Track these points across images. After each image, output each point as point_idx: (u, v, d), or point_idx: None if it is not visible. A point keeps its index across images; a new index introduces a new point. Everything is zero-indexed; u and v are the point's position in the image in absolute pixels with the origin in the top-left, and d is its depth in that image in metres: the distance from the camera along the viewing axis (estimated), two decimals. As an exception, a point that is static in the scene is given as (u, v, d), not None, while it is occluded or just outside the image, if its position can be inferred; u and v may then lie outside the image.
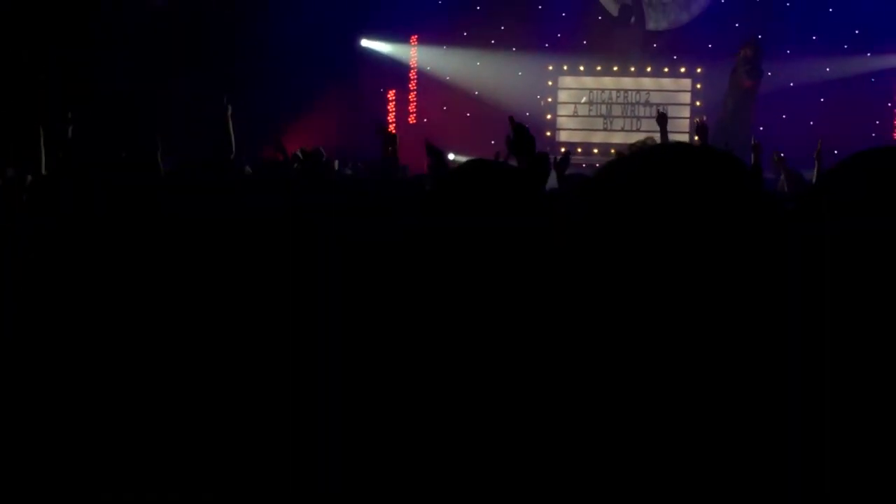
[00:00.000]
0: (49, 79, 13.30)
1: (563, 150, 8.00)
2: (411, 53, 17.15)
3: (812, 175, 8.15)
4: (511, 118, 5.35)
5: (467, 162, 2.58)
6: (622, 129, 15.96)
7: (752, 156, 7.98)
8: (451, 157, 8.27)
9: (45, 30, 13.69)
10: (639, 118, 16.42)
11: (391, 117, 16.98)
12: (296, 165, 7.69)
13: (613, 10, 17.01)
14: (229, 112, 8.55)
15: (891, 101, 16.17)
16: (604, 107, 16.69)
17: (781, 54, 16.06)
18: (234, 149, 8.37)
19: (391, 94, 17.14)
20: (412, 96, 17.24)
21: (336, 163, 9.34)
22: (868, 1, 15.88)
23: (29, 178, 7.03)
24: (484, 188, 2.46)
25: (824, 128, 14.44)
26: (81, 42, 13.94)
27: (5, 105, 12.63)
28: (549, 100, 16.61)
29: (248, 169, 7.63)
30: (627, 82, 16.64)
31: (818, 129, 14.16)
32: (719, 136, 13.25)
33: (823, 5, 16.08)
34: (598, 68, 16.71)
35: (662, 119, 8.29)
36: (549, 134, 16.58)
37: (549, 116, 16.95)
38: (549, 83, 16.80)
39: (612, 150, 8.72)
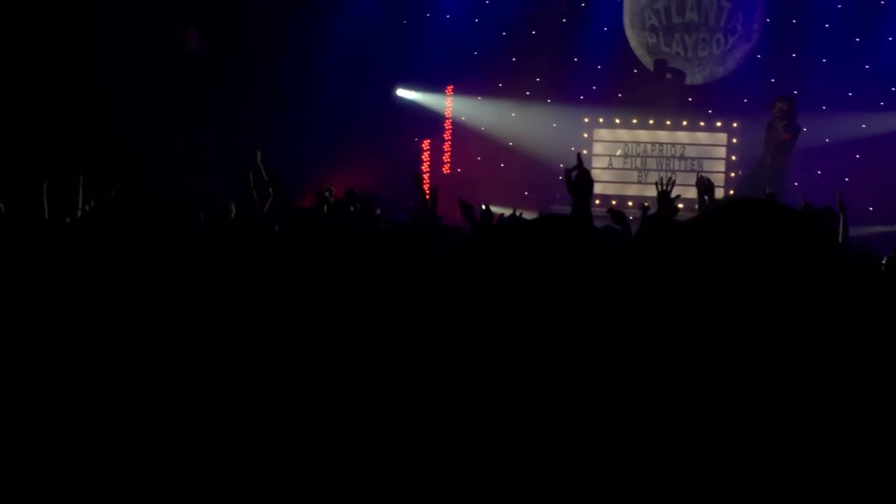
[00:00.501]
0: (80, 126, 13.35)
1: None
2: (447, 103, 17.21)
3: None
4: (579, 155, 5.40)
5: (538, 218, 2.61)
6: (657, 183, 15.90)
7: (842, 216, 7.77)
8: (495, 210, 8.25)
9: (76, 79, 13.72)
10: (674, 171, 16.37)
11: (425, 167, 17.01)
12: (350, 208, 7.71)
13: (649, 63, 17.04)
14: (258, 157, 8.57)
15: (928, 159, 16.09)
16: (639, 160, 16.67)
17: (817, 110, 16.01)
18: (273, 192, 8.38)
19: (426, 144, 17.19)
20: (447, 146, 17.28)
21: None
22: (904, 58, 15.89)
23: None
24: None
25: (859, 184, 14.41)
26: (112, 88, 14.01)
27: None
28: (584, 152, 16.58)
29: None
30: (663, 135, 16.63)
31: (853, 186, 14.12)
32: (754, 190, 13.19)
33: (860, 62, 16.06)
34: (634, 121, 16.71)
35: (702, 183, 8.15)
36: (583, 186, 16.51)
37: (567, 172, 16.85)
38: (584, 135, 16.80)
39: (646, 204, 8.68)
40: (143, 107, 14.26)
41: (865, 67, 16.03)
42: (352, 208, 8.04)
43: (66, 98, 13.34)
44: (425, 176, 16.82)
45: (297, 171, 14.69)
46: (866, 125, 16.00)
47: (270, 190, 8.30)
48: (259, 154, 8.71)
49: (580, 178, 5.24)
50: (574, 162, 5.65)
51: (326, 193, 8.67)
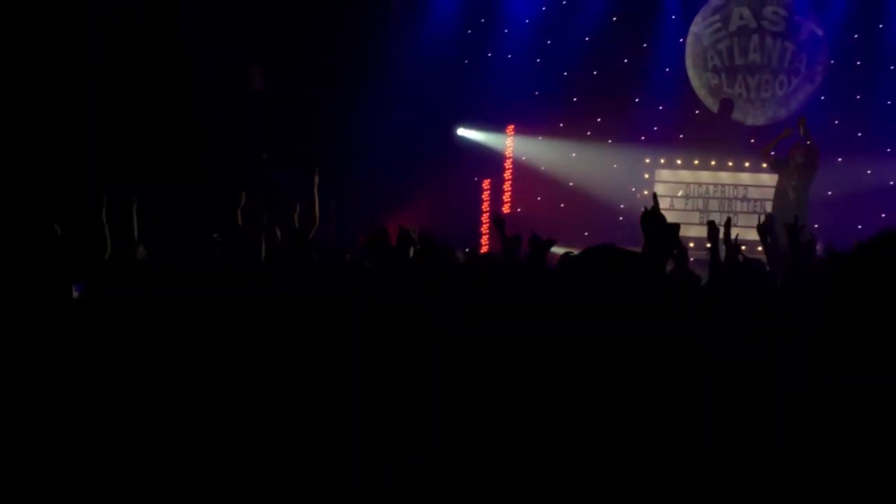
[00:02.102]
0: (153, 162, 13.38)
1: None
2: (507, 143, 17.22)
3: None
4: (654, 194, 5.37)
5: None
6: (719, 224, 15.80)
7: None
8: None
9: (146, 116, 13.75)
10: (736, 213, 16.28)
11: (485, 206, 17.02)
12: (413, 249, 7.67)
13: (711, 104, 16.97)
14: (316, 181, 8.54)
15: None
16: (700, 201, 16.59)
17: (882, 153, 15.90)
18: (318, 221, 8.37)
19: (486, 184, 17.20)
20: (507, 185, 17.27)
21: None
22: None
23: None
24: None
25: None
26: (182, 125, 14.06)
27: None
28: (645, 192, 16.55)
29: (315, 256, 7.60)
30: (725, 177, 16.54)
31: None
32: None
33: (925, 104, 15.96)
34: (696, 162, 16.64)
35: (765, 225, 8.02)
36: (644, 227, 16.43)
37: (644, 209, 16.80)
38: (646, 176, 16.75)
39: (708, 245, 8.61)
40: (227, 149, 14.37)
41: (930, 109, 15.91)
42: (412, 248, 7.99)
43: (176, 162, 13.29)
44: (486, 216, 16.88)
45: (357, 212, 14.76)
46: (931, 167, 15.87)
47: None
48: (317, 178, 8.69)
49: (651, 217, 5.17)
50: (635, 205, 5.65)
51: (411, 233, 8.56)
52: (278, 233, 8.02)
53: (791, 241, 7.24)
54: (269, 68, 15.43)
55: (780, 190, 14.39)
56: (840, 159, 15.78)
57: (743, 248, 7.34)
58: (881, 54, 16.26)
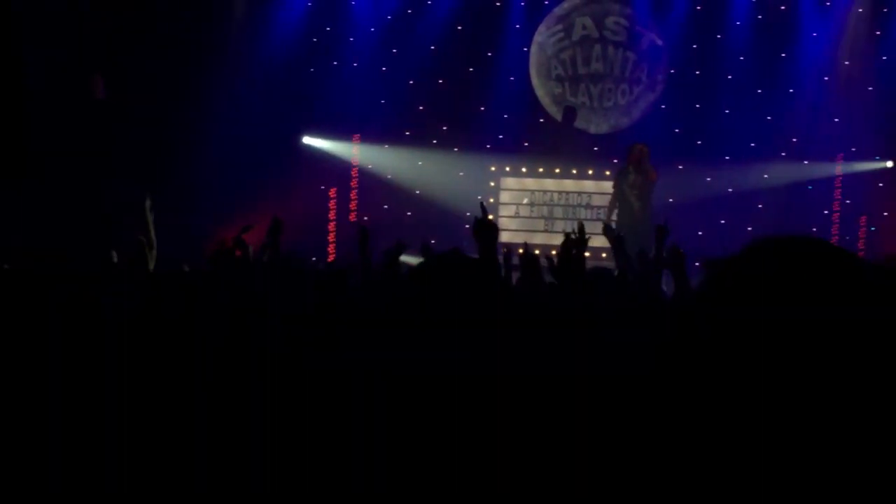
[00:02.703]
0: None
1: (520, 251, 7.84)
2: (353, 151, 17.14)
3: None
4: (482, 203, 5.45)
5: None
6: (563, 231, 15.91)
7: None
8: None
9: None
10: (581, 220, 16.45)
11: (332, 215, 16.91)
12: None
13: (555, 112, 17.15)
14: (148, 205, 8.27)
15: (827, 209, 16.35)
16: (545, 208, 16.74)
17: (720, 160, 16.24)
18: (154, 244, 8.12)
19: (332, 192, 17.07)
20: (353, 194, 17.18)
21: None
22: (805, 111, 16.17)
23: None
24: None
25: (762, 233, 14.55)
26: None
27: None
28: (491, 200, 16.63)
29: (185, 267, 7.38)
30: (569, 184, 16.71)
31: (756, 235, 14.28)
32: (630, 235, 13.37)
33: (762, 114, 16.32)
34: (540, 170, 16.78)
35: (619, 241, 8.02)
36: (490, 234, 16.51)
37: (490, 217, 16.87)
38: (491, 184, 16.83)
39: (553, 252, 8.63)
40: (67, 161, 13.97)
41: (767, 118, 16.29)
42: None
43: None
44: (332, 224, 16.77)
45: (200, 222, 14.53)
46: (768, 175, 16.24)
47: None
48: (149, 202, 8.43)
49: (483, 225, 5.26)
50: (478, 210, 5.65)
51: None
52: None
53: (657, 246, 7.34)
54: (109, 75, 15.03)
55: (624, 201, 14.61)
56: (680, 167, 16.09)
57: (587, 255, 7.29)
58: (720, 64, 16.62)
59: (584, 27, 17.13)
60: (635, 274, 7.01)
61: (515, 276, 7.19)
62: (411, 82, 16.99)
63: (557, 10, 17.19)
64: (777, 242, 1.90)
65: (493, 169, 16.85)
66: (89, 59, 14.80)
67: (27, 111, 12.90)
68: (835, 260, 1.78)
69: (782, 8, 16.49)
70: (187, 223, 13.96)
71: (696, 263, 8.84)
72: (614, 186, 14.93)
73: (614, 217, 14.58)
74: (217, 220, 14.66)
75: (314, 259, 14.96)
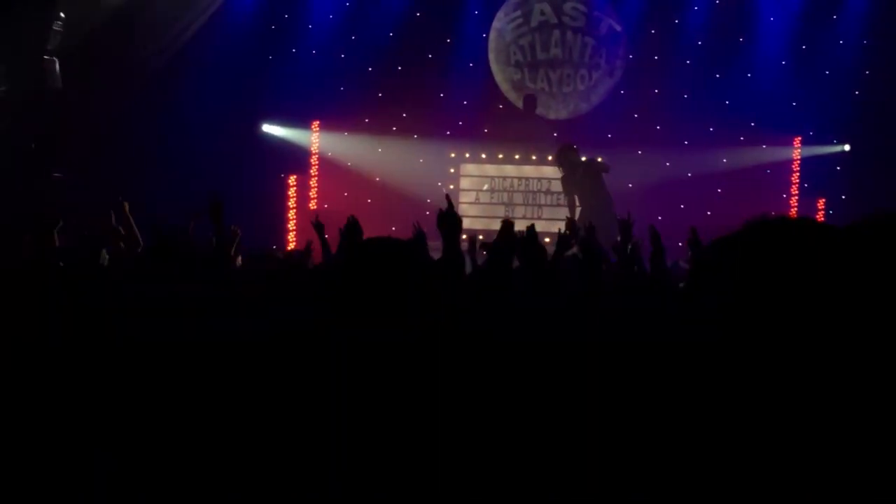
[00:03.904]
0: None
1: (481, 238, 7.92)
2: (312, 139, 17.07)
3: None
4: (448, 196, 5.47)
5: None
6: (524, 217, 15.98)
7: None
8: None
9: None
10: (540, 206, 16.49)
11: (291, 202, 16.83)
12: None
13: (515, 98, 17.16)
14: (126, 207, 8.31)
15: (786, 193, 16.45)
16: (505, 194, 16.74)
17: (679, 145, 16.31)
18: (140, 241, 8.15)
19: (292, 180, 16.99)
20: (313, 181, 17.11)
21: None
22: (763, 95, 16.24)
23: None
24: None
25: (721, 217, 14.62)
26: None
27: None
28: (451, 187, 16.61)
29: None
30: (529, 170, 16.72)
31: (715, 219, 14.37)
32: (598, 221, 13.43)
33: (720, 98, 16.40)
34: (500, 156, 16.78)
35: (627, 227, 8.05)
36: (450, 221, 16.52)
37: (440, 211, 16.85)
38: (451, 170, 16.82)
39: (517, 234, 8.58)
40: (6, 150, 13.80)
41: (725, 103, 16.36)
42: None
43: None
44: (294, 212, 16.70)
45: (158, 209, 14.39)
46: (727, 159, 16.31)
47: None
48: (127, 206, 8.42)
49: (447, 217, 5.27)
50: (442, 199, 5.65)
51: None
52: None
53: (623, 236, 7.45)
54: (65, 64, 14.84)
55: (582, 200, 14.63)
56: (640, 152, 16.15)
57: (547, 240, 7.36)
58: (677, 49, 16.68)
59: (542, 13, 17.14)
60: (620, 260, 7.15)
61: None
62: (370, 69, 16.95)
63: (516, -4, 17.21)
64: (772, 222, 2.01)
65: (452, 155, 16.84)
66: (43, 44, 14.59)
67: None
68: (822, 233, 1.86)
69: (740, -8, 16.58)
70: (150, 214, 13.85)
71: (680, 244, 8.91)
72: (565, 193, 14.99)
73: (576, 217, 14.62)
74: (178, 211, 14.54)
75: (275, 247, 14.87)
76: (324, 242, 7.96)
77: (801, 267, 1.83)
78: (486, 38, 17.28)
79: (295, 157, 17.03)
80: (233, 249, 8.04)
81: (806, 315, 1.79)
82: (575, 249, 7.05)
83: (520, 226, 6.95)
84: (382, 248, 2.67)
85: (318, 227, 8.36)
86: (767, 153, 16.44)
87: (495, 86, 17.30)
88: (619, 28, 16.97)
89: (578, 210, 14.60)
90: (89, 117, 14.97)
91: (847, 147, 16.30)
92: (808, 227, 1.89)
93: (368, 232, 8.38)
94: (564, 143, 15.02)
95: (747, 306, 1.84)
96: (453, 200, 5.50)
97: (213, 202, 6.90)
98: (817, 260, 1.83)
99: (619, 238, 7.62)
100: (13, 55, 13.91)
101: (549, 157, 16.31)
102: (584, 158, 14.62)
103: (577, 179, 14.54)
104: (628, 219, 7.62)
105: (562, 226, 8.45)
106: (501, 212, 16.55)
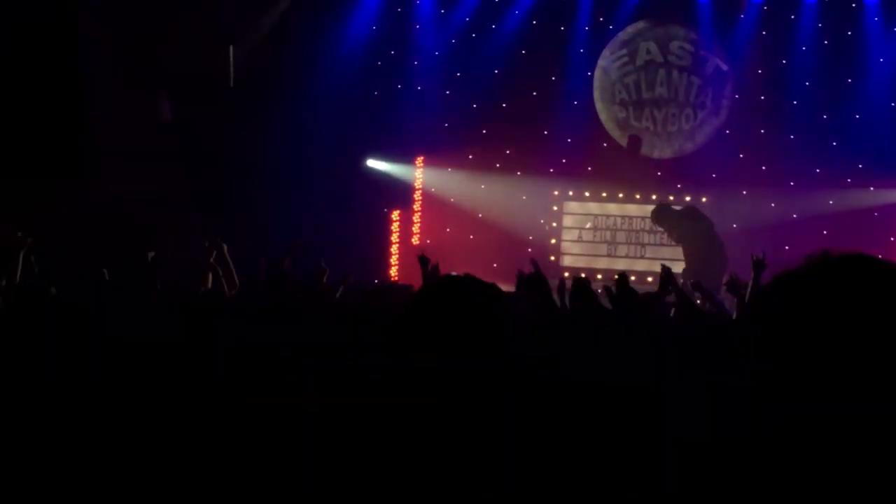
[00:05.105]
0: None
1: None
2: (416, 174, 17.21)
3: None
4: (534, 260, 5.49)
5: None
6: (626, 256, 15.96)
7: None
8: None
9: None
10: (643, 245, 16.43)
11: (394, 237, 16.97)
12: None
13: (619, 137, 17.13)
14: (225, 249, 8.41)
15: (894, 235, 16.19)
16: (608, 233, 16.71)
17: (785, 186, 16.14)
18: (237, 283, 8.27)
19: (395, 214, 17.14)
20: (416, 217, 17.24)
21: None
22: (871, 137, 16.00)
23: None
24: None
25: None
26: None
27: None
28: (554, 224, 16.62)
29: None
30: (632, 209, 16.68)
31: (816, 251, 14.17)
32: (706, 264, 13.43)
33: (827, 139, 16.19)
34: (604, 194, 16.77)
35: (668, 275, 8.10)
36: (552, 258, 16.57)
37: (553, 241, 16.95)
38: (554, 208, 16.84)
39: (616, 276, 8.61)
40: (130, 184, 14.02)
41: (833, 144, 16.16)
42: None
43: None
44: (397, 246, 16.82)
45: (264, 244, 14.57)
46: (833, 201, 16.11)
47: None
48: (225, 247, 8.54)
49: (534, 280, 5.28)
50: (544, 237, 5.69)
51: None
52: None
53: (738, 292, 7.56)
54: (173, 94, 15.10)
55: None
56: (745, 192, 16.01)
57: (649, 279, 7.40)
58: (785, 89, 16.52)
59: (648, 51, 17.11)
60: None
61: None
62: (475, 105, 17.04)
63: (622, 35, 17.18)
64: (835, 259, 1.98)
65: (556, 193, 16.86)
66: (153, 77, 14.85)
67: (92, 118, 12.86)
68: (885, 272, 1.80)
69: (849, 33, 16.34)
70: (254, 247, 14.03)
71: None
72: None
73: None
74: (283, 245, 14.71)
75: (376, 281, 14.99)
76: (425, 276, 8.03)
77: (860, 309, 1.77)
78: (592, 77, 17.28)
79: (399, 192, 17.18)
80: (320, 284, 8.14)
81: (861, 359, 1.74)
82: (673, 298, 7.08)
83: (622, 265, 6.99)
84: (453, 288, 2.69)
85: (423, 260, 8.43)
86: (875, 196, 16.19)
87: (599, 124, 17.28)
88: (725, 68, 16.87)
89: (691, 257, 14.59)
90: (199, 152, 15.18)
91: (957, 190, 16.01)
92: (873, 266, 1.82)
93: (470, 268, 8.42)
94: (654, 208, 15.02)
95: (805, 345, 1.77)
96: (539, 264, 5.50)
97: (293, 242, 7.08)
98: (880, 301, 1.77)
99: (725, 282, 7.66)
100: None
101: (653, 197, 16.25)
102: (677, 208, 14.64)
103: (681, 233, 14.56)
104: (763, 258, 7.84)
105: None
106: (604, 250, 16.52)
